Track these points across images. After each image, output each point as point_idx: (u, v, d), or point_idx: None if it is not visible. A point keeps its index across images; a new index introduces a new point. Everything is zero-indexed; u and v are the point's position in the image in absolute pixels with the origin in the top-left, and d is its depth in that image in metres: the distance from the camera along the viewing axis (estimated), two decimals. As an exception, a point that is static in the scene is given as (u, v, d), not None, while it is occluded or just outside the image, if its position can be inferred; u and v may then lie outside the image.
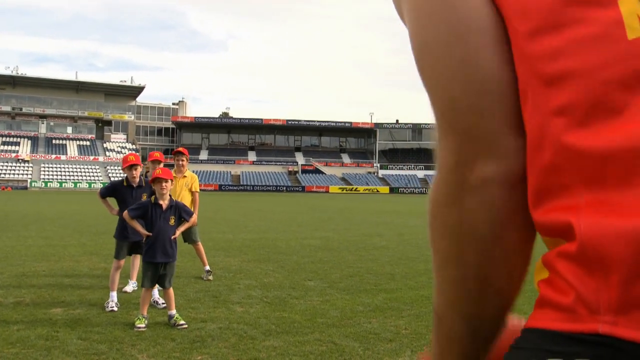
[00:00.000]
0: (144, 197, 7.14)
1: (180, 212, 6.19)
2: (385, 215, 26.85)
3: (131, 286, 7.76)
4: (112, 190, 7.26)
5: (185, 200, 8.71)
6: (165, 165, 7.78)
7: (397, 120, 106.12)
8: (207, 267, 8.85)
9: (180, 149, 8.98)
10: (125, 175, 7.22)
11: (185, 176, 8.81)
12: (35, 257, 10.78)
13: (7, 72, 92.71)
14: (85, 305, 6.85)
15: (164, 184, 5.99)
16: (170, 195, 6.20)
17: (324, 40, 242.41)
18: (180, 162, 8.73)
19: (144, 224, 6.15)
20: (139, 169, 7.27)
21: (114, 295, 6.79)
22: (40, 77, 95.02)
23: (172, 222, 6.04)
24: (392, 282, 8.78)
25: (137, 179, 7.13)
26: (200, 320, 6.12)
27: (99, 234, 14.91)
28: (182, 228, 6.35)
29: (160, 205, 6.02)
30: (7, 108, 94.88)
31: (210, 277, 8.67)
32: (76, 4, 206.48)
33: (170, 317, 5.93)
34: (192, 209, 8.78)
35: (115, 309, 6.57)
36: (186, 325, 5.82)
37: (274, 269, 9.76)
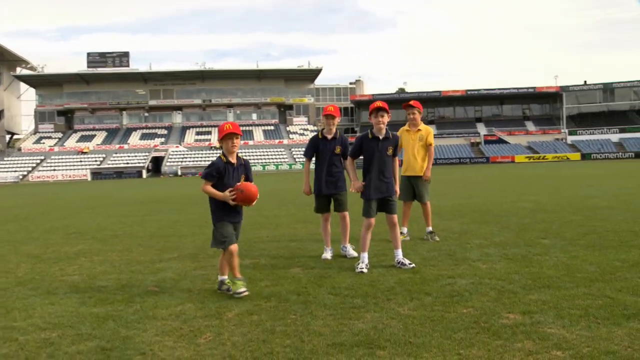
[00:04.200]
0: (338, 150, 7.25)
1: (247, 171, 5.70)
2: (589, 180, 24.95)
3: (329, 253, 7.34)
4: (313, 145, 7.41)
5: (420, 154, 8.38)
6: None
7: (585, 82, 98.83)
8: (430, 229, 8.51)
9: (412, 102, 8.34)
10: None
11: (419, 129, 8.43)
12: (253, 226, 11.10)
13: (197, 68, 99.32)
14: (321, 265, 6.79)
15: (234, 140, 5.50)
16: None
17: (495, 6, 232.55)
18: (412, 116, 8.30)
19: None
20: (336, 120, 7.25)
21: (364, 256, 6.48)
22: (226, 70, 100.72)
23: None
24: (638, 238, 7.86)
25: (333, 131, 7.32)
26: (447, 276, 5.77)
27: (304, 205, 15.18)
28: None
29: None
30: (199, 101, 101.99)
31: (437, 238, 8.31)
32: (246, 0, 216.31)
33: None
34: (426, 164, 8.45)
35: (365, 270, 6.24)
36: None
37: (499, 230, 9.18)
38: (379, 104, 6.43)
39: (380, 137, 6.55)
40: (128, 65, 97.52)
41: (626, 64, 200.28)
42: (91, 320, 4.67)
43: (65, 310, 5.02)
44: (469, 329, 4.04)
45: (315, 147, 7.37)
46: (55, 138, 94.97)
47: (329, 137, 7.32)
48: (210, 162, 5.59)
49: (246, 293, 5.28)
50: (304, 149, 7.78)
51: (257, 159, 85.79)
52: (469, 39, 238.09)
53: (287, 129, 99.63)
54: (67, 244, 9.59)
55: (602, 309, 4.41)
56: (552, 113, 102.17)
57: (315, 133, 7.72)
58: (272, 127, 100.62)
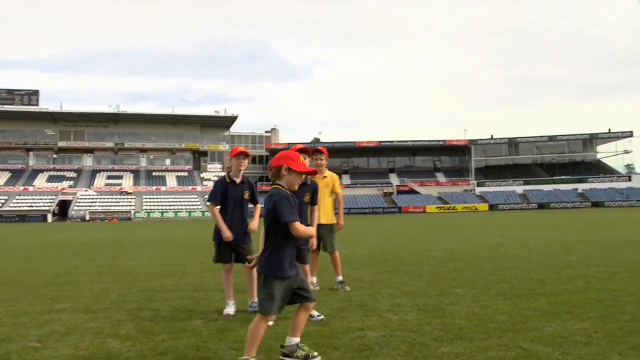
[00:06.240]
0: (246, 195, 6.90)
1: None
2: (498, 229, 25.55)
3: (232, 308, 6.69)
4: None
5: (326, 202, 8.14)
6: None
7: (491, 136, 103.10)
8: (340, 278, 8.26)
9: (320, 147, 8.12)
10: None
11: (325, 176, 8.22)
12: (158, 274, 10.55)
13: (110, 110, 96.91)
14: (224, 318, 6.37)
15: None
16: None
17: (410, 60, 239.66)
18: (319, 162, 8.03)
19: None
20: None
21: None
22: (140, 113, 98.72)
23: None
24: (546, 287, 7.91)
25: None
26: (357, 328, 5.49)
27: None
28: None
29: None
30: (111, 144, 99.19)
31: (347, 288, 8.05)
32: (168, 44, 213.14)
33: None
34: (336, 211, 8.28)
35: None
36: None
37: (411, 279, 9.03)
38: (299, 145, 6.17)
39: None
40: (37, 104, 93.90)
41: (528, 119, 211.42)
42: (-45, 382, 4.09)
43: None
44: (379, 387, 3.76)
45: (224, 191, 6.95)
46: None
47: (238, 180, 6.92)
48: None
49: None
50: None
51: (169, 206, 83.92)
52: (385, 91, 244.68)
53: (201, 175, 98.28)
54: (-53, 293, 8.71)
55: (516, 363, 4.24)
56: (461, 165, 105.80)
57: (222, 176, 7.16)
58: (186, 174, 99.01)
